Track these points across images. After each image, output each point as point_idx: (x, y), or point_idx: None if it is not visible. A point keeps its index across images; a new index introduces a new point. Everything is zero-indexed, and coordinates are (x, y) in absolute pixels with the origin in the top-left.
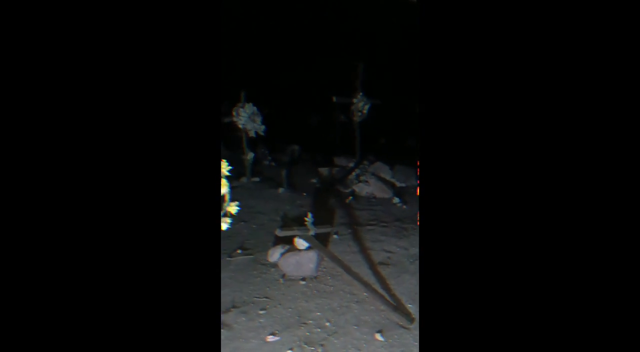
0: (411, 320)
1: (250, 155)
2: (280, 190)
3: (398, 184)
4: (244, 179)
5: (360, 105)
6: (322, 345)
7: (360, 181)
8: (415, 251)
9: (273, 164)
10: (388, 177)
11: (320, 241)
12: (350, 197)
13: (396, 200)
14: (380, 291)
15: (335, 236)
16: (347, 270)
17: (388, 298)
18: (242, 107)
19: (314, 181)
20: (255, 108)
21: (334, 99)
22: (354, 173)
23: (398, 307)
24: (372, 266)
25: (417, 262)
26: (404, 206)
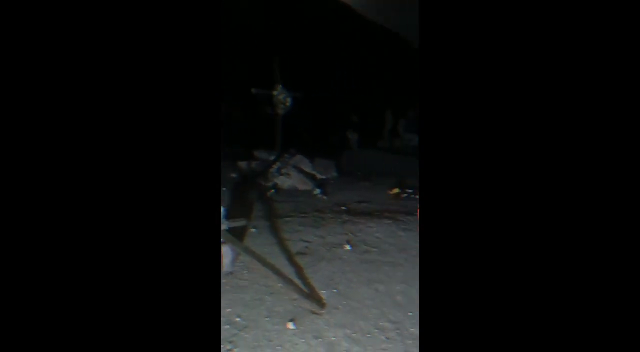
0: (322, 305)
1: None
2: None
3: (319, 176)
4: None
5: (282, 97)
6: (231, 342)
7: (281, 174)
8: (331, 239)
9: None
10: (309, 170)
11: (236, 235)
12: (272, 190)
13: (317, 191)
14: (296, 280)
15: (253, 229)
16: (263, 262)
17: (302, 286)
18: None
19: (233, 175)
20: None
21: (253, 90)
22: (274, 166)
23: (310, 295)
24: (290, 256)
25: (334, 249)
26: (324, 197)
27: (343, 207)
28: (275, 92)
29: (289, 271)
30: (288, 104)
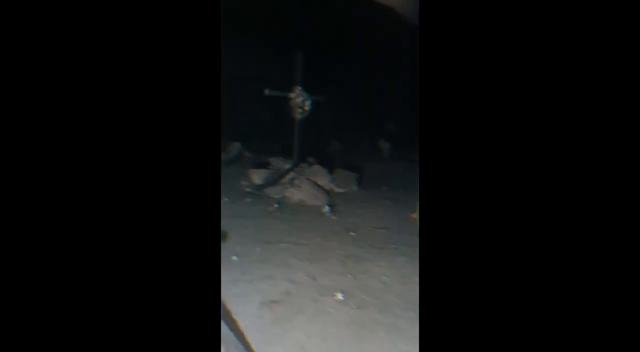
0: None
1: None
2: None
3: (336, 190)
4: None
5: (299, 100)
6: None
7: (292, 186)
8: (324, 281)
9: None
10: (325, 183)
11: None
12: (276, 205)
13: (326, 209)
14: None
15: (234, 258)
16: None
17: None
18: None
19: (244, 184)
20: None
21: (266, 92)
22: (288, 176)
23: None
24: (261, 304)
25: (322, 299)
26: (334, 217)
27: (352, 233)
28: (292, 95)
29: (251, 330)
30: (307, 108)
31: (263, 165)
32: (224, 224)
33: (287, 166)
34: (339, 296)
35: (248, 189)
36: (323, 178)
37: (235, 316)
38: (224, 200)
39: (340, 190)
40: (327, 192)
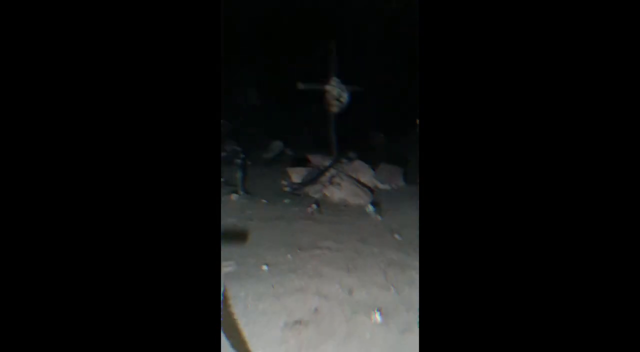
0: None
1: None
2: (234, 196)
3: (381, 186)
4: None
5: (335, 93)
6: None
7: (332, 184)
8: (361, 295)
9: (248, 162)
10: (368, 178)
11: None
12: (314, 206)
13: (370, 209)
14: None
15: (264, 267)
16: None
17: None
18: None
19: (284, 183)
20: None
21: (300, 85)
22: (327, 174)
23: None
24: (286, 325)
25: (357, 318)
26: (378, 217)
27: (397, 236)
28: (328, 87)
29: None
30: (344, 100)
31: (302, 162)
32: (259, 226)
33: (327, 163)
34: (377, 317)
35: (288, 189)
36: (365, 174)
37: (253, 342)
38: (262, 201)
39: (385, 186)
40: (371, 190)
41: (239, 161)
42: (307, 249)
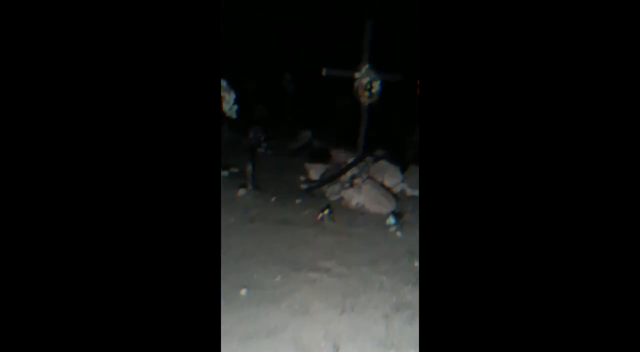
0: None
1: None
2: (241, 191)
3: (410, 193)
4: None
5: (365, 81)
6: None
7: (352, 185)
8: (366, 345)
9: (269, 152)
10: (395, 182)
11: None
12: (326, 211)
13: (391, 221)
14: None
15: (243, 291)
16: None
17: None
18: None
19: (302, 179)
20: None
21: (324, 72)
22: (348, 173)
23: None
24: None
25: None
26: (398, 232)
27: (416, 264)
28: (357, 75)
29: None
30: (375, 90)
31: (324, 157)
32: (258, 231)
33: (350, 160)
34: None
35: (304, 187)
36: (392, 176)
37: None
38: (271, 201)
39: (414, 193)
40: (396, 196)
41: (256, 145)
42: (303, 270)
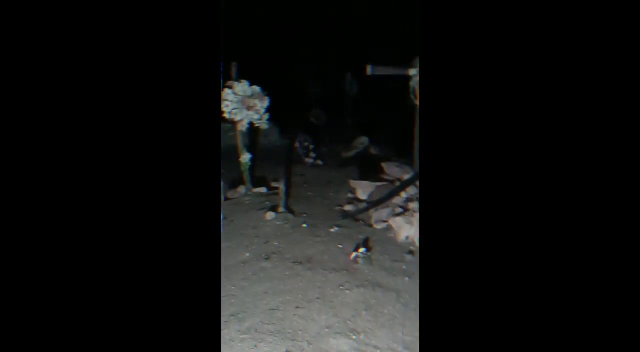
0: None
1: (246, 156)
2: (269, 215)
3: None
4: (241, 189)
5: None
6: None
7: (405, 212)
8: None
9: (319, 162)
10: None
11: None
12: (361, 249)
13: None
14: None
15: None
16: None
17: None
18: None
19: (349, 196)
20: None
21: (369, 69)
22: (402, 195)
23: None
24: None
25: None
26: None
27: None
28: (412, 72)
29: None
30: None
31: (375, 170)
32: (268, 277)
33: (405, 178)
34: None
35: (348, 208)
36: None
37: None
38: (302, 226)
39: None
40: None
41: (304, 155)
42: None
